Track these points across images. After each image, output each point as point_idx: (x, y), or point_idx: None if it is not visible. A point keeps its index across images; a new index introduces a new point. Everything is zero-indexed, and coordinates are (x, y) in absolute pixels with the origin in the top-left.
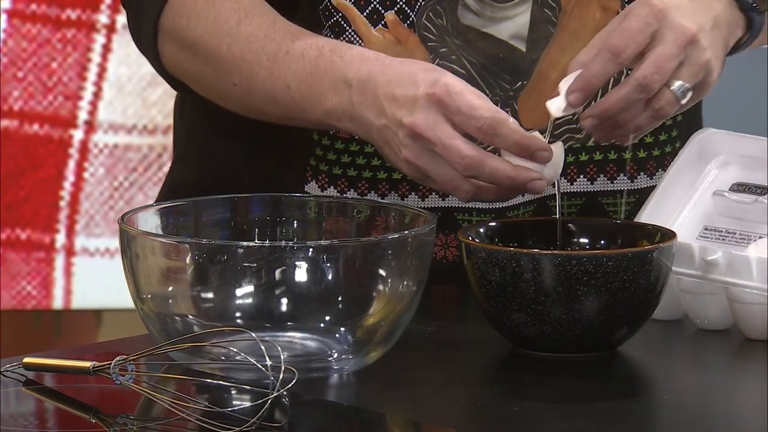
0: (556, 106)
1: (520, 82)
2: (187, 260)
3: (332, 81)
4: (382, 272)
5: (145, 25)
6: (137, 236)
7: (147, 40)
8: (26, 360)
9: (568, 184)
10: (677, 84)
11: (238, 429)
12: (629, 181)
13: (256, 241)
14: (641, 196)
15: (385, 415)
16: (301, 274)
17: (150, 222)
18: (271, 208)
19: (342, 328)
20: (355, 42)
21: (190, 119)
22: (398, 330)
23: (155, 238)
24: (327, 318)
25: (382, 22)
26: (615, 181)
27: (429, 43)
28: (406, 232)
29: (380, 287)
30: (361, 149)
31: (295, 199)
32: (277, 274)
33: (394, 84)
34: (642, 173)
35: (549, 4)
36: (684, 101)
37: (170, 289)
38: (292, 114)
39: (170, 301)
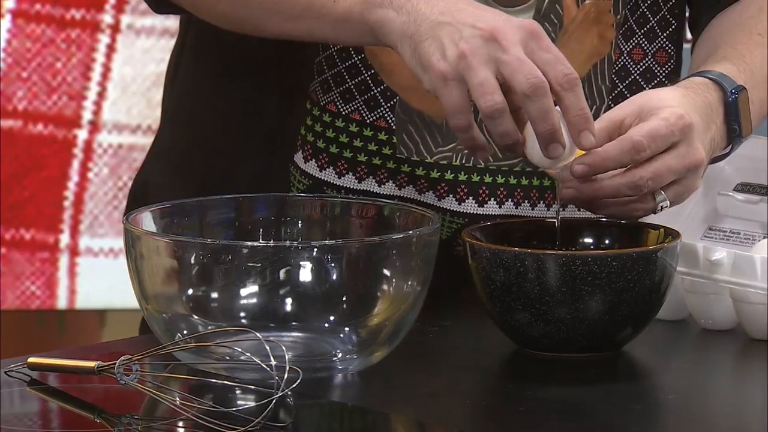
0: (561, 169)
1: None
2: (192, 260)
3: None
4: (386, 272)
5: None
6: (142, 236)
7: None
8: (31, 360)
9: (530, 208)
10: (661, 197)
11: (243, 429)
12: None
13: (261, 241)
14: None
15: (390, 415)
16: (305, 274)
17: (154, 222)
18: (276, 208)
19: (346, 328)
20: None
21: (183, 82)
22: (403, 330)
23: (160, 238)
24: (331, 318)
25: None
26: (581, 210)
27: None
28: (411, 232)
29: (385, 287)
30: (345, 127)
31: (299, 199)
32: (282, 274)
33: (477, 4)
34: None
35: (551, 19)
36: (658, 212)
37: (175, 289)
38: (315, 3)
39: (175, 301)
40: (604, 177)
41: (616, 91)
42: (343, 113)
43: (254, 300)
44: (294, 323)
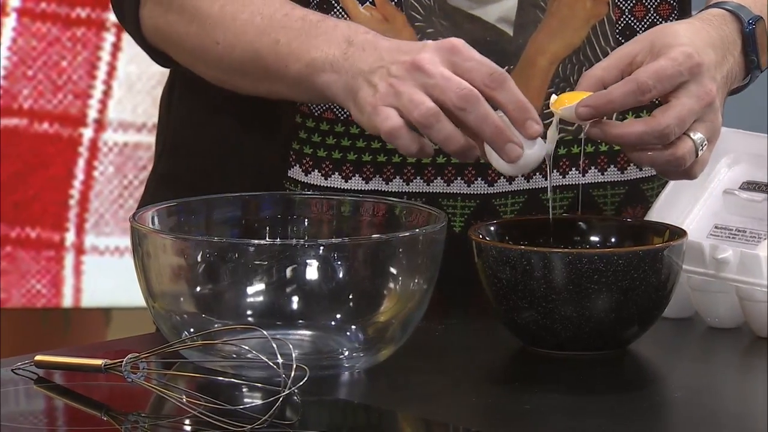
0: (566, 111)
1: (506, 67)
2: (198, 258)
3: (330, 38)
4: (393, 270)
5: None
6: (148, 234)
7: (129, 7)
8: (38, 358)
9: (561, 176)
10: (697, 135)
11: (250, 427)
12: (620, 173)
13: (267, 239)
14: (630, 188)
15: (396, 412)
16: (312, 272)
17: (161, 220)
18: (282, 207)
19: (353, 326)
20: (342, 19)
21: (178, 112)
22: (409, 328)
23: (166, 237)
24: (338, 316)
25: (370, 0)
26: (606, 173)
27: (416, 23)
28: (417, 230)
29: (391, 285)
30: (346, 130)
31: (305, 197)
32: (288, 272)
33: (402, 43)
34: (632, 164)
35: None
36: (701, 152)
37: (181, 287)
38: (271, 71)
39: (181, 299)
40: (624, 123)
41: None
42: (342, 118)
43: (261, 298)
44: (301, 321)
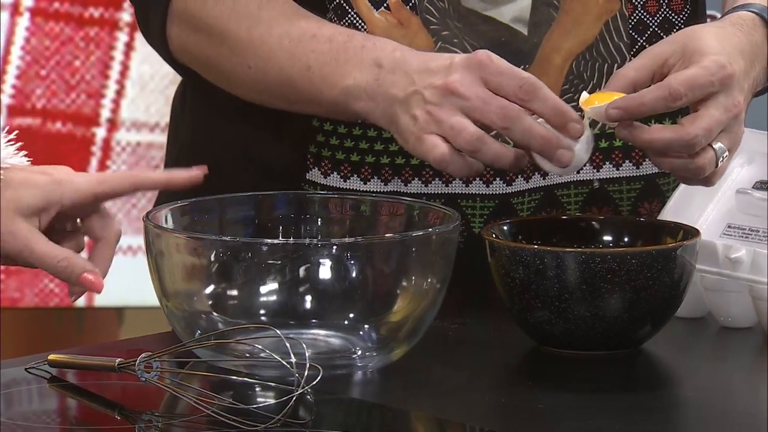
0: (595, 111)
1: (522, 66)
2: (212, 257)
3: (360, 61)
4: (406, 270)
5: (154, 9)
6: (162, 234)
7: (155, 25)
8: (51, 357)
9: (575, 172)
10: (719, 145)
11: (263, 426)
12: (635, 168)
13: (281, 238)
14: (646, 183)
15: (409, 412)
16: (325, 271)
17: (174, 219)
18: (296, 206)
19: (366, 326)
20: (357, 24)
21: (192, 117)
22: (422, 327)
23: (180, 236)
24: (351, 315)
25: (385, 5)
26: (620, 168)
27: (431, 27)
28: (431, 229)
29: (404, 284)
30: (364, 133)
31: (318, 196)
32: (302, 271)
33: (429, 59)
34: (647, 160)
35: None
36: (721, 162)
37: (195, 286)
38: (305, 96)
39: (195, 298)
40: (654, 129)
41: (637, 46)
42: (359, 121)
43: (274, 297)
44: (314, 320)
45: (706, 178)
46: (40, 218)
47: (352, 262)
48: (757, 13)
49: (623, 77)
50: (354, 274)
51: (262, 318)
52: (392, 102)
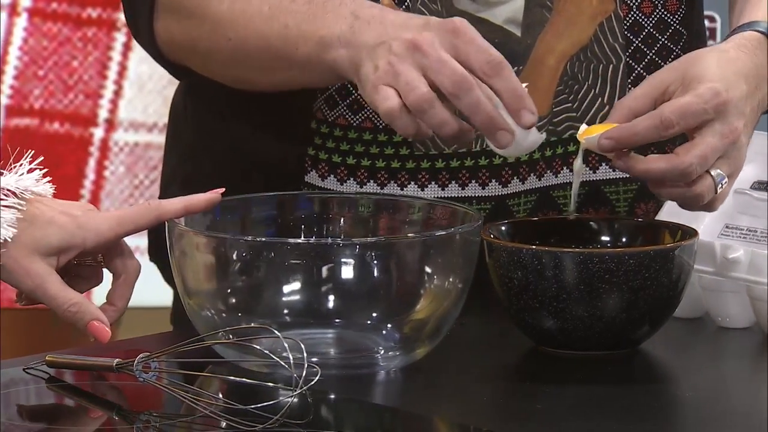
0: (589, 141)
1: (515, 68)
2: (234, 257)
3: (337, 15)
4: (428, 269)
5: (140, 6)
6: (184, 233)
7: (143, 21)
8: (49, 357)
9: (572, 174)
10: (717, 172)
11: (262, 426)
12: None
13: (303, 238)
14: (642, 184)
15: (406, 411)
16: (347, 271)
17: (197, 219)
18: (318, 206)
19: (389, 325)
20: None
21: (192, 119)
22: (445, 327)
23: (202, 235)
24: (374, 314)
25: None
26: (617, 170)
27: None
28: (453, 229)
29: (427, 284)
30: (359, 137)
31: (341, 196)
32: (324, 271)
33: (408, 17)
34: None
35: None
36: (720, 189)
37: (217, 285)
38: (281, 56)
39: (217, 297)
40: (649, 159)
41: (632, 47)
42: (354, 124)
43: (297, 297)
44: (336, 320)
45: (707, 204)
46: (59, 258)
47: (375, 261)
48: (763, 33)
49: (623, 107)
50: (376, 274)
51: (285, 317)
52: (361, 48)
